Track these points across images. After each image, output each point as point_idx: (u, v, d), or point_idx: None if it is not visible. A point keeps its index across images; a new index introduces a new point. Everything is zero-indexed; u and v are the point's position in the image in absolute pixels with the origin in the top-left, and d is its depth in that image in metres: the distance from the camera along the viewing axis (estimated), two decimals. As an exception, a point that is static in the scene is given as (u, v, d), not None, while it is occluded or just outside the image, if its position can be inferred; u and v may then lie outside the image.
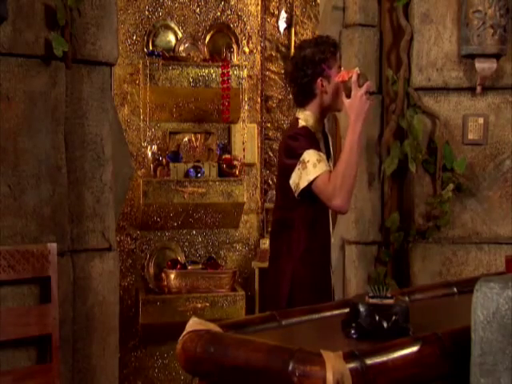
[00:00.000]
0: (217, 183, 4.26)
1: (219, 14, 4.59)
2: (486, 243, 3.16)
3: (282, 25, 4.75)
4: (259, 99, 4.69)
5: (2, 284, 2.48)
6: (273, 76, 4.76)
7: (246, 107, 4.50)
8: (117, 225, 3.14)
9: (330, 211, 2.67)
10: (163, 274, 4.25)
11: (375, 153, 3.24)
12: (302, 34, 4.79)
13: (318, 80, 2.57)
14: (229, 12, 4.61)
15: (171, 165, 4.23)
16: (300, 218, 2.58)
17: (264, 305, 2.80)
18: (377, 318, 1.54)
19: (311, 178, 2.45)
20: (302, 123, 2.60)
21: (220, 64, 4.29)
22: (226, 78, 4.25)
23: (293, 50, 4.71)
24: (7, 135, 2.55)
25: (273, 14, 4.74)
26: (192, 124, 4.53)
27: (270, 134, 4.76)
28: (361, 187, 3.19)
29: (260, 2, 4.67)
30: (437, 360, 1.39)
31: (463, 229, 3.18)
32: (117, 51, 2.90)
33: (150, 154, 4.34)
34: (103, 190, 2.83)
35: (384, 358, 1.33)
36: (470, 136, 3.17)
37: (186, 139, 4.50)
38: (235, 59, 4.50)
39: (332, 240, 2.79)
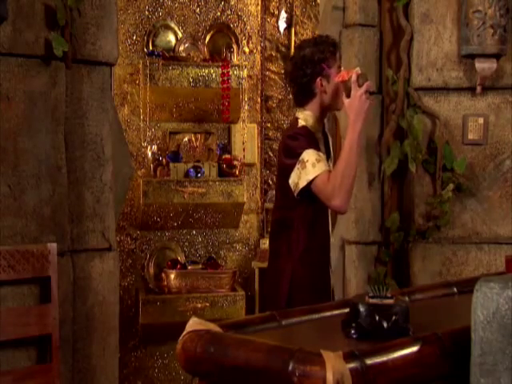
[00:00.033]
0: (217, 183, 4.26)
1: (219, 14, 4.59)
2: (486, 243, 3.16)
3: (282, 25, 4.75)
4: (259, 99, 4.70)
5: (2, 284, 2.48)
6: (273, 76, 4.76)
7: (246, 107, 4.50)
8: (117, 225, 3.14)
9: (330, 211, 2.67)
10: (163, 274, 4.25)
11: (375, 153, 3.24)
12: (302, 34, 4.79)
13: (318, 80, 2.57)
14: (229, 12, 4.61)
15: (171, 165, 4.23)
16: (299, 218, 2.58)
17: (264, 305, 2.80)
18: (377, 318, 1.54)
19: (310, 177, 2.45)
20: (301, 123, 2.59)
21: (220, 64, 4.29)
22: (226, 78, 4.25)
23: (293, 50, 4.71)
24: (7, 135, 2.55)
25: (273, 14, 4.74)
26: (192, 124, 4.53)
27: (270, 134, 4.76)
28: (361, 187, 3.19)
29: (260, 2, 4.67)
30: (437, 360, 1.39)
31: (463, 229, 3.18)
32: (117, 51, 2.90)
33: (149, 154, 4.34)
34: (103, 190, 2.83)
35: (384, 358, 1.33)
36: (470, 136, 3.17)
37: (186, 139, 4.50)
38: (235, 59, 4.50)
39: (332, 240, 2.79)
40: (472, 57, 3.07)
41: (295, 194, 2.53)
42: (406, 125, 3.13)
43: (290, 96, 4.74)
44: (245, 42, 4.63)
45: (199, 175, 4.24)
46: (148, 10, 4.44)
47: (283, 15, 4.74)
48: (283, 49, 4.77)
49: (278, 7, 4.75)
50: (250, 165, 4.62)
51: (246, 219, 4.62)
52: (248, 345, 1.42)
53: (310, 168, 2.45)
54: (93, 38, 2.77)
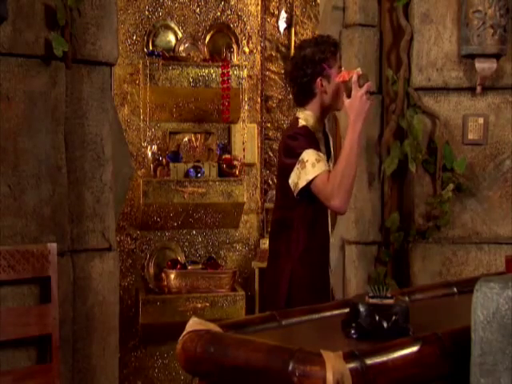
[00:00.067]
0: (217, 183, 4.26)
1: (219, 14, 4.59)
2: (486, 243, 3.16)
3: (282, 25, 4.75)
4: (259, 99, 4.70)
5: (2, 284, 2.48)
6: (273, 76, 4.76)
7: (246, 107, 4.50)
8: (117, 225, 3.14)
9: (330, 211, 2.67)
10: (163, 274, 4.25)
11: (375, 153, 3.24)
12: (302, 34, 4.79)
13: (318, 80, 2.57)
14: (229, 12, 4.61)
15: (171, 165, 4.23)
16: (299, 218, 2.57)
17: (263, 305, 2.80)
18: (377, 318, 1.54)
19: (310, 177, 2.45)
20: (301, 123, 2.59)
21: (220, 64, 4.29)
22: (226, 78, 4.25)
23: (293, 50, 4.71)
24: (7, 135, 2.55)
25: (273, 14, 4.74)
26: (192, 124, 4.53)
27: (270, 134, 4.76)
28: (361, 187, 3.19)
29: (260, 2, 4.67)
30: (437, 360, 1.39)
31: (463, 229, 3.18)
32: (117, 51, 2.90)
33: (150, 153, 4.34)
34: (103, 190, 2.83)
35: (384, 358, 1.33)
36: (470, 136, 3.17)
37: (186, 139, 4.50)
38: (235, 59, 4.50)
39: (332, 240, 2.79)
40: (472, 57, 3.07)
41: (295, 194, 2.53)
42: (406, 125, 3.13)
43: (290, 96, 4.74)
44: (245, 42, 4.63)
45: (199, 175, 4.24)
46: (148, 10, 4.44)
47: (283, 15, 4.74)
48: (283, 49, 4.77)
49: (278, 7, 4.75)
50: (250, 165, 4.62)
51: (245, 219, 4.62)
52: (248, 345, 1.42)
53: (309, 168, 2.45)
54: (93, 38, 2.77)
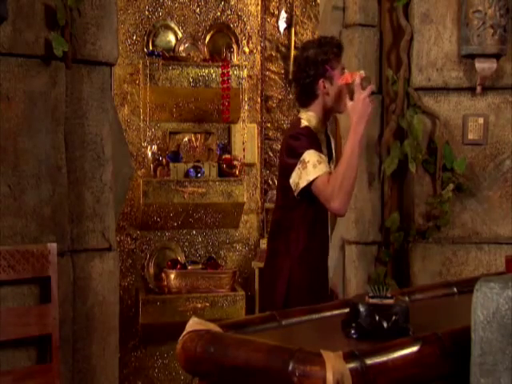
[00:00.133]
0: (217, 183, 4.26)
1: (219, 14, 4.59)
2: (486, 243, 3.16)
3: (282, 25, 4.75)
4: (259, 99, 4.70)
5: (2, 284, 2.48)
6: (273, 76, 4.76)
7: (246, 107, 4.50)
8: (117, 225, 3.14)
9: (329, 213, 2.67)
10: (163, 274, 4.25)
11: (375, 153, 3.24)
12: (302, 34, 4.79)
13: (320, 81, 2.56)
14: (229, 12, 4.61)
15: (171, 165, 4.23)
16: (299, 218, 2.57)
17: (261, 303, 2.80)
18: (377, 318, 1.54)
19: (311, 178, 2.45)
20: (304, 123, 2.58)
21: (220, 64, 4.29)
22: (226, 78, 4.25)
23: (293, 50, 4.72)
24: (7, 135, 2.55)
25: (273, 14, 4.74)
26: (192, 124, 4.53)
27: (270, 134, 4.76)
28: (361, 187, 3.19)
29: (260, 2, 4.67)
30: (437, 360, 1.39)
31: (463, 229, 3.18)
32: (117, 51, 2.90)
33: (150, 153, 4.34)
34: (103, 190, 2.83)
35: (384, 358, 1.33)
36: (470, 136, 3.17)
37: (186, 139, 4.51)
38: (235, 59, 4.50)
39: (331, 240, 2.79)
40: (472, 57, 3.07)
41: (295, 194, 2.52)
42: (406, 125, 3.13)
43: (290, 96, 4.77)
44: (245, 41, 4.63)
45: (199, 175, 4.24)
46: (148, 10, 4.44)
47: (283, 15, 4.74)
48: (283, 49, 4.77)
49: (278, 7, 4.75)
50: (250, 165, 4.62)
51: (245, 219, 4.62)
52: (248, 345, 1.42)
53: (310, 168, 2.45)
54: (93, 38, 2.77)
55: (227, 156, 4.42)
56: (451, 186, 3.10)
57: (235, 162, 4.38)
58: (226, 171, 4.33)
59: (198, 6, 4.55)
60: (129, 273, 4.38)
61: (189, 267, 4.25)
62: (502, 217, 3.17)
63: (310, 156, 2.46)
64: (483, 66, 3.04)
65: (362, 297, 1.62)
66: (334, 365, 1.25)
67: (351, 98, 2.46)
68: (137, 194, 4.27)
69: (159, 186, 4.17)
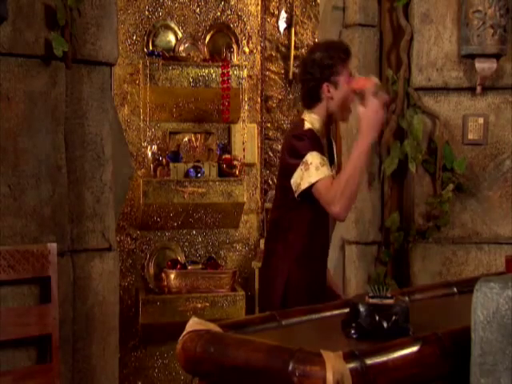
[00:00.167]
0: (217, 183, 4.26)
1: (219, 14, 4.59)
2: (486, 243, 3.16)
3: (282, 25, 4.75)
4: (259, 99, 4.70)
5: (2, 284, 2.48)
6: (273, 76, 4.76)
7: (246, 107, 4.50)
8: (117, 225, 3.14)
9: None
10: (163, 274, 4.25)
11: (375, 153, 3.24)
12: (302, 34, 4.79)
13: (324, 85, 2.55)
14: (229, 12, 4.61)
15: (171, 165, 4.23)
16: (299, 219, 2.56)
17: (260, 303, 2.79)
18: (377, 318, 1.54)
19: (313, 180, 2.43)
20: (307, 125, 2.56)
21: (220, 64, 4.29)
22: (226, 78, 4.25)
23: (293, 49, 4.72)
24: (7, 135, 2.55)
25: (273, 14, 4.74)
26: (192, 124, 4.53)
27: (270, 134, 4.76)
28: (361, 187, 3.19)
29: (260, 2, 4.67)
30: (437, 360, 1.39)
31: (463, 229, 3.18)
32: (117, 51, 2.90)
33: (149, 154, 4.34)
34: (103, 190, 2.83)
35: (384, 358, 1.33)
36: (470, 136, 3.17)
37: (186, 139, 4.51)
38: (235, 59, 4.50)
39: (331, 242, 2.78)
40: (472, 57, 3.07)
41: (296, 195, 2.51)
42: (406, 125, 3.13)
43: (290, 96, 4.77)
44: (245, 41, 4.63)
45: (199, 175, 4.24)
46: (148, 10, 4.44)
47: (283, 15, 4.74)
48: (283, 49, 4.77)
49: (278, 7, 4.75)
50: (250, 165, 4.62)
51: (245, 219, 4.62)
52: (248, 345, 1.42)
53: (313, 170, 2.43)
54: (93, 38, 2.77)
55: (227, 156, 4.42)
56: (451, 186, 3.10)
57: (235, 162, 4.38)
58: (226, 171, 4.33)
59: (198, 5, 4.55)
60: (129, 273, 4.38)
61: (189, 267, 4.25)
62: (501, 217, 3.17)
63: (312, 158, 2.45)
64: (483, 65, 3.04)
65: (362, 297, 1.62)
66: (334, 365, 1.25)
67: (363, 104, 2.41)
68: (137, 194, 4.27)
69: (159, 185, 4.17)
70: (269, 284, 2.64)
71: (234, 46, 4.55)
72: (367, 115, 2.39)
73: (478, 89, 3.12)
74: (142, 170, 4.33)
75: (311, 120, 2.58)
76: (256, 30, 4.67)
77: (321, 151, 2.51)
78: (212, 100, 4.36)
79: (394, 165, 3.15)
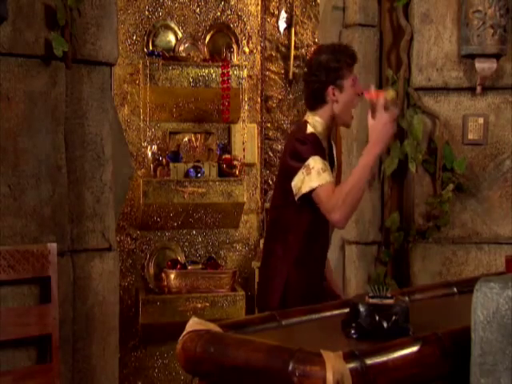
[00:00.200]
0: (217, 183, 4.26)
1: (219, 14, 4.59)
2: (486, 243, 3.16)
3: (282, 25, 4.74)
4: (259, 99, 4.69)
5: (2, 284, 2.48)
6: (273, 76, 4.75)
7: (246, 107, 4.50)
8: (117, 225, 3.14)
9: None
10: (163, 274, 4.25)
11: (375, 153, 3.24)
12: (302, 34, 4.79)
13: (330, 88, 2.54)
14: (229, 12, 4.60)
15: (171, 165, 4.23)
16: (299, 221, 2.55)
17: (258, 303, 2.79)
18: (377, 318, 1.54)
19: (314, 185, 2.43)
20: (310, 129, 2.55)
21: (220, 64, 4.29)
22: (226, 78, 4.25)
23: (293, 49, 4.72)
24: (7, 135, 2.55)
25: (273, 14, 4.74)
26: (192, 124, 4.53)
27: (270, 134, 4.76)
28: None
29: (260, 2, 4.67)
30: (437, 360, 1.39)
31: (463, 229, 3.18)
32: (117, 51, 2.90)
33: (150, 154, 4.34)
34: (103, 190, 2.83)
35: (384, 358, 1.33)
36: (470, 136, 3.17)
37: (186, 139, 4.50)
38: (235, 59, 4.50)
39: (331, 244, 2.77)
40: (472, 57, 3.07)
41: (296, 198, 2.50)
42: (406, 125, 3.13)
43: (290, 96, 4.77)
44: (245, 41, 4.63)
45: (199, 175, 4.24)
46: (148, 10, 4.44)
47: (283, 15, 4.73)
48: (283, 49, 4.76)
49: (278, 7, 4.75)
50: (250, 165, 4.62)
51: (245, 219, 4.62)
52: (248, 345, 1.42)
53: (314, 175, 2.43)
54: (93, 38, 2.77)
55: (227, 156, 4.42)
56: (451, 186, 3.10)
57: (235, 162, 4.37)
58: (226, 171, 4.33)
59: (198, 6, 4.55)
60: (129, 273, 4.38)
61: (189, 267, 4.25)
62: (501, 217, 3.17)
63: (315, 162, 2.44)
64: (483, 65, 3.04)
65: (362, 297, 1.62)
66: (334, 365, 1.25)
67: (373, 117, 2.40)
68: (137, 194, 4.27)
69: (159, 186, 4.16)
70: (267, 284, 2.64)
71: (234, 46, 4.55)
72: (376, 128, 2.38)
73: (478, 89, 3.12)
74: (142, 170, 4.33)
75: (314, 123, 2.57)
76: (256, 30, 4.67)
77: (323, 156, 2.50)
78: (212, 100, 4.36)
79: (394, 165, 3.15)
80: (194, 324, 1.55)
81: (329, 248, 2.73)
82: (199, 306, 4.13)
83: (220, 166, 4.34)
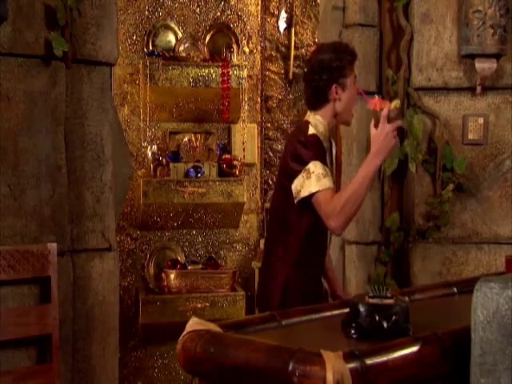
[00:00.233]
0: (217, 183, 4.26)
1: (219, 14, 4.59)
2: (486, 243, 3.16)
3: (282, 25, 4.74)
4: (259, 99, 4.69)
5: (2, 284, 2.48)
6: (273, 76, 4.75)
7: (246, 107, 4.50)
8: (117, 225, 3.14)
9: None
10: (163, 274, 4.25)
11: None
12: (302, 34, 4.79)
13: (333, 87, 2.54)
14: (229, 12, 4.61)
15: (171, 165, 4.23)
16: (299, 223, 2.55)
17: (257, 303, 2.79)
18: (377, 317, 1.54)
19: (313, 190, 2.42)
20: (311, 130, 2.54)
21: (220, 64, 4.29)
22: (226, 78, 4.25)
23: (293, 49, 4.72)
24: (7, 135, 2.55)
25: (273, 14, 4.74)
26: (192, 124, 4.53)
27: (270, 134, 4.76)
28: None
29: (260, 2, 4.67)
30: (437, 360, 1.39)
31: (463, 229, 3.18)
32: (117, 51, 2.90)
33: (150, 154, 4.34)
34: (103, 190, 2.83)
35: (384, 358, 1.33)
36: (470, 136, 3.17)
37: (186, 139, 4.50)
38: (235, 59, 4.50)
39: (331, 245, 2.77)
40: (472, 57, 3.07)
41: (295, 201, 2.50)
42: (406, 125, 3.13)
43: (290, 96, 4.77)
44: (245, 41, 4.63)
45: (199, 175, 4.24)
46: (148, 10, 4.44)
47: (283, 15, 4.73)
48: (283, 49, 4.76)
49: (278, 7, 4.75)
50: (250, 165, 4.62)
51: (245, 219, 4.62)
52: (248, 345, 1.42)
53: (314, 180, 2.42)
54: (93, 38, 2.77)
55: (227, 156, 4.42)
56: (451, 186, 3.10)
57: (235, 162, 4.37)
58: (226, 171, 4.33)
59: (198, 6, 4.55)
60: (129, 273, 4.38)
61: (189, 267, 4.25)
62: (501, 217, 3.17)
63: (315, 167, 2.44)
64: (483, 65, 3.04)
65: (362, 297, 1.62)
66: (334, 365, 1.25)
67: (376, 126, 2.38)
68: (137, 194, 4.27)
69: (159, 186, 4.17)
70: (268, 284, 2.64)
71: (234, 46, 4.55)
72: (378, 138, 2.36)
73: (478, 89, 3.12)
74: (142, 170, 4.33)
75: (315, 122, 2.57)
76: (256, 30, 4.67)
77: (324, 159, 2.50)
78: (212, 100, 4.36)
79: (394, 165, 3.15)
80: (193, 324, 1.55)
81: (327, 248, 2.73)
82: (199, 305, 4.13)
83: (220, 166, 4.34)
